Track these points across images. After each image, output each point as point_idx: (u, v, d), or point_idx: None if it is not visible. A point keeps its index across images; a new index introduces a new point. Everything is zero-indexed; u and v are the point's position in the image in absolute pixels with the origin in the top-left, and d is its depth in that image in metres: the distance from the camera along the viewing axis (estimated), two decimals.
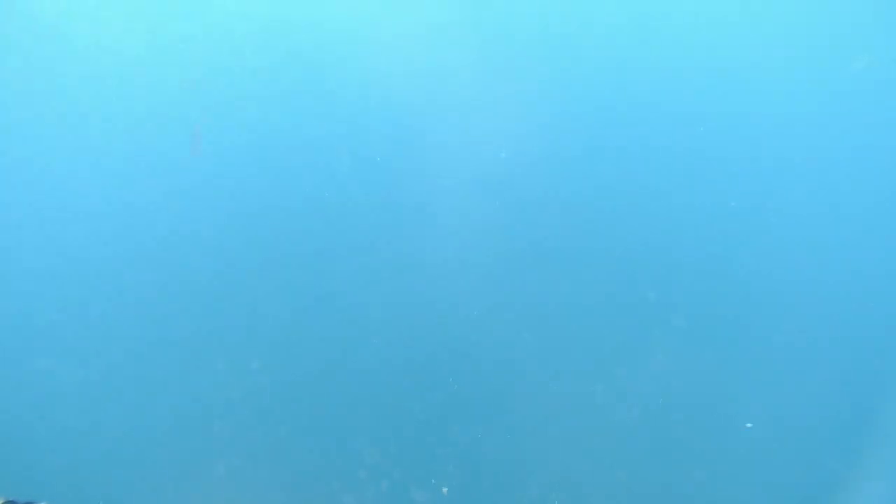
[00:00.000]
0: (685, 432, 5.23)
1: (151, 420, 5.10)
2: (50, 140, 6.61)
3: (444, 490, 4.88)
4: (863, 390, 5.43)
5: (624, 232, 6.26)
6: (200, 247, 6.02)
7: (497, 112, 7.07)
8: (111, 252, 5.93)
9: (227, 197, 6.33)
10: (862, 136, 6.92)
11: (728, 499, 4.95)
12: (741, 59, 7.51)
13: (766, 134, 6.93)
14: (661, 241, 6.19)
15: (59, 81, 6.99)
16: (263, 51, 7.42)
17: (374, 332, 5.61)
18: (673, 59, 7.57)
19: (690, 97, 7.30)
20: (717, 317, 5.75)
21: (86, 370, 5.28)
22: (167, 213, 6.22)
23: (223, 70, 7.23)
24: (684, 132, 6.97)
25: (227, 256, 5.99)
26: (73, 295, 5.66)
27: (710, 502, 4.94)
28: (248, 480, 4.92)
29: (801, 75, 7.39)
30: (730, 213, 6.37)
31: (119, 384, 5.23)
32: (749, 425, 5.19)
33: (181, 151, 6.66)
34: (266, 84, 7.20)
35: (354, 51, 7.49)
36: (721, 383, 5.45)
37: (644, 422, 5.26)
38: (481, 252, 6.13)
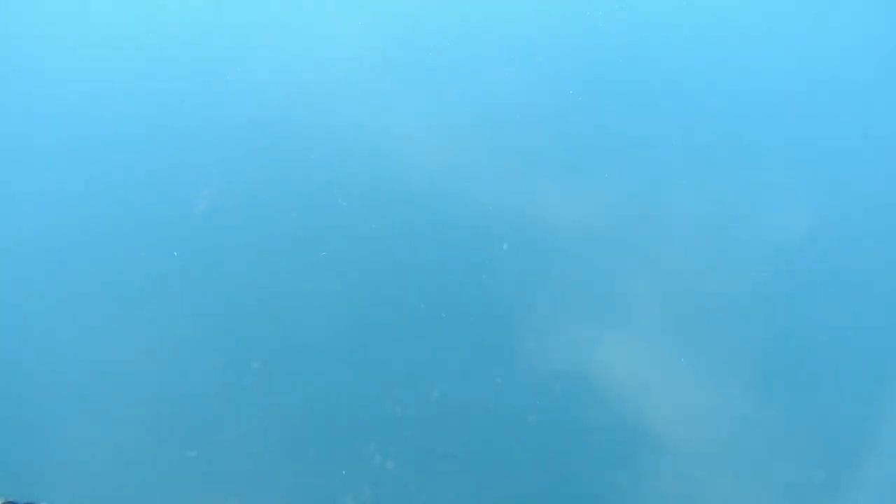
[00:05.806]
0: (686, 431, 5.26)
1: (151, 420, 5.10)
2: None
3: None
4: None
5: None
6: (201, 246, 6.01)
7: None
8: (112, 253, 5.91)
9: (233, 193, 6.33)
10: None
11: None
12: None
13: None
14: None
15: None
16: None
17: (374, 333, 5.61)
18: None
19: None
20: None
21: (86, 370, 5.28)
22: (169, 215, 6.22)
23: None
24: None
25: (226, 255, 5.98)
26: (73, 295, 5.65)
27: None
28: (248, 480, 4.92)
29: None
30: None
31: (119, 385, 5.23)
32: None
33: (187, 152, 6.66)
34: None
35: None
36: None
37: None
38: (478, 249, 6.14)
